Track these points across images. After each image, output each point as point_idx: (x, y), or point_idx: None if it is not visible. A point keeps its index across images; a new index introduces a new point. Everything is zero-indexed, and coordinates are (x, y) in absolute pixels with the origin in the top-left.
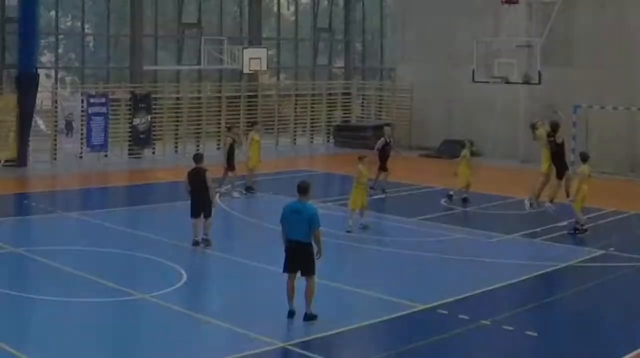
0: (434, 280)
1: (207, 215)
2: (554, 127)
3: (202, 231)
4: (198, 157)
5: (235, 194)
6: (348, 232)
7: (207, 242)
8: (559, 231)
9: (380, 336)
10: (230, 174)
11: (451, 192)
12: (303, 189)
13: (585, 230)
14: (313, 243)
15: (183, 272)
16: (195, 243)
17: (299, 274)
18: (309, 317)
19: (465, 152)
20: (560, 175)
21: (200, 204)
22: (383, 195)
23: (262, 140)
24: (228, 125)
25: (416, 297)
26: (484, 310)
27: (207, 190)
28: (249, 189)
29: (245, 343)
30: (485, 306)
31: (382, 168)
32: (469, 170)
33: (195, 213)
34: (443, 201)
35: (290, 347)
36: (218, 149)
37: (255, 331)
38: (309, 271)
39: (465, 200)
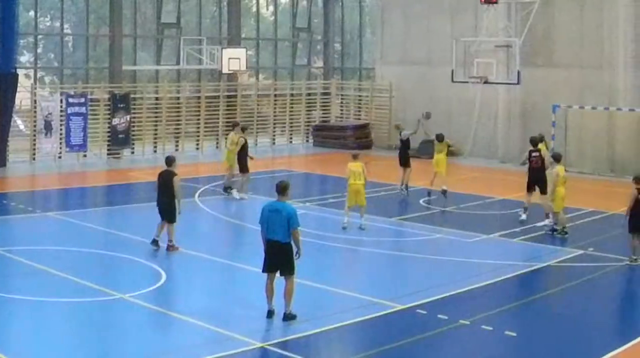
0: (413, 280)
1: (170, 220)
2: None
3: (166, 236)
4: (169, 160)
5: (245, 196)
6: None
7: (171, 248)
8: (537, 231)
9: (359, 336)
10: (242, 175)
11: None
12: (282, 189)
13: (566, 232)
14: (292, 243)
15: (162, 271)
16: (154, 242)
17: (278, 274)
18: (288, 317)
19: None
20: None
21: (164, 207)
22: None
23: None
24: (242, 126)
25: (395, 297)
26: (463, 310)
27: (172, 195)
28: (226, 189)
29: (224, 343)
30: (464, 306)
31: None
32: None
33: (160, 216)
34: (422, 201)
35: (269, 347)
36: (217, 148)
37: (234, 331)
38: (288, 271)
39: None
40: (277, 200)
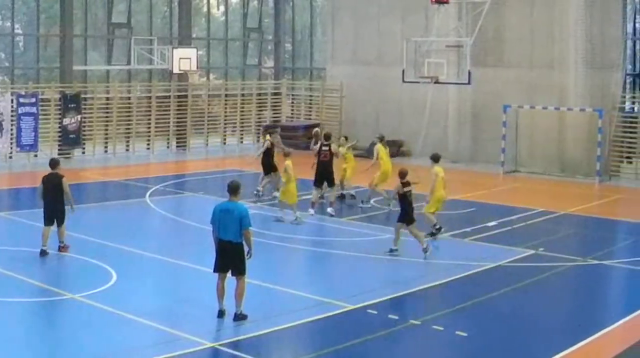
0: (364, 280)
1: (60, 222)
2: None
3: (57, 238)
4: (54, 162)
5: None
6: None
7: (63, 248)
8: (488, 231)
9: (310, 336)
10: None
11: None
12: (233, 189)
13: (440, 228)
14: (244, 243)
15: (113, 271)
16: (43, 252)
17: (229, 274)
18: (239, 317)
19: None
20: None
21: (53, 211)
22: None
23: (194, 140)
24: (270, 130)
25: (346, 297)
26: (414, 310)
27: (61, 198)
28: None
29: (175, 343)
30: (415, 306)
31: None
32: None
33: (47, 221)
34: (373, 201)
35: (220, 347)
36: (168, 148)
37: (185, 331)
38: (239, 271)
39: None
40: (229, 200)
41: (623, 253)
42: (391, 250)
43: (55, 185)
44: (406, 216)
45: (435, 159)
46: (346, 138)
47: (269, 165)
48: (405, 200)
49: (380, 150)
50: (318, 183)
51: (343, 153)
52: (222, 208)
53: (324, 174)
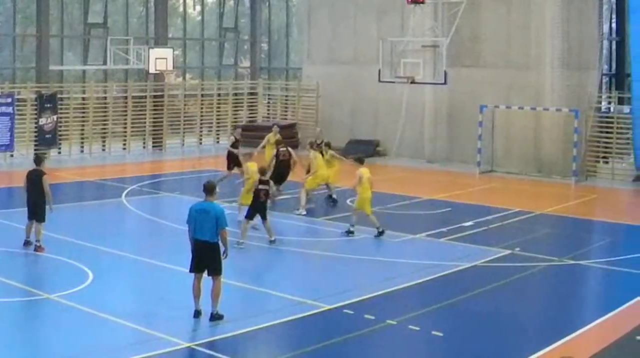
0: (340, 281)
1: (40, 220)
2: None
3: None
4: (38, 159)
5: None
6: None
7: (39, 248)
8: (465, 231)
9: (286, 336)
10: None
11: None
12: (209, 189)
13: (352, 232)
14: (220, 243)
15: (89, 271)
16: (27, 243)
17: (205, 274)
18: (215, 317)
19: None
20: None
21: (34, 206)
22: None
23: (170, 140)
24: (235, 125)
25: (322, 297)
26: (390, 310)
27: (42, 194)
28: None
29: (151, 343)
30: (391, 306)
31: (230, 168)
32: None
33: (30, 215)
34: (349, 201)
35: (196, 347)
36: (144, 148)
37: (161, 331)
38: (215, 271)
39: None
40: (205, 200)
41: (599, 253)
42: (238, 243)
43: (36, 181)
44: (254, 212)
45: (360, 160)
46: (329, 144)
47: (233, 160)
48: (258, 197)
49: (318, 158)
50: (277, 181)
51: (327, 158)
52: (198, 208)
53: (282, 172)
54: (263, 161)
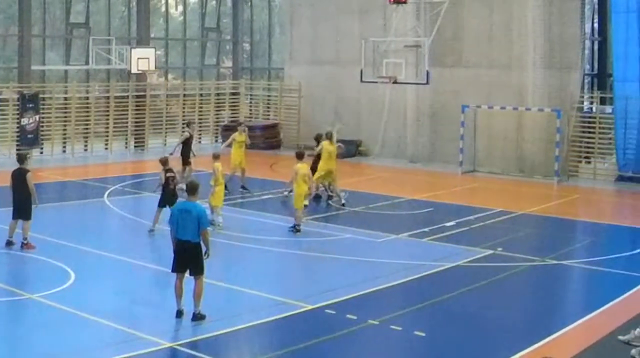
0: (322, 281)
1: (26, 218)
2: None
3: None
4: (21, 158)
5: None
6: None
7: (27, 246)
8: (447, 231)
9: (268, 336)
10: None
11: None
12: (192, 189)
13: (299, 230)
14: (202, 243)
15: (71, 271)
16: (9, 243)
17: (187, 274)
18: (198, 317)
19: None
20: None
21: (19, 204)
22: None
23: (152, 140)
24: (186, 121)
25: (304, 297)
26: (372, 310)
27: (27, 192)
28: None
29: (133, 343)
30: (373, 306)
31: (186, 162)
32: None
33: (14, 214)
34: (331, 201)
35: (178, 347)
36: (126, 148)
37: (143, 331)
38: (197, 271)
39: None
40: (187, 201)
41: (581, 254)
42: (150, 230)
43: (20, 180)
44: (165, 200)
45: (299, 156)
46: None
47: (187, 156)
48: (167, 186)
49: (325, 148)
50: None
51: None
52: (181, 208)
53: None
54: (230, 161)
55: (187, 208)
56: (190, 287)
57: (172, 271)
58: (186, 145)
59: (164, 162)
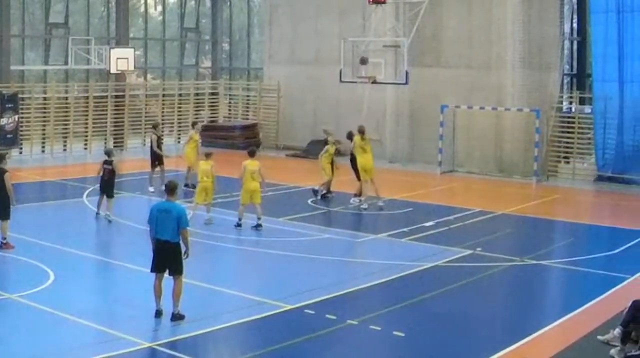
0: (301, 280)
1: (4, 217)
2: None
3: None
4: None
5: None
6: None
7: (6, 246)
8: (426, 231)
9: (248, 336)
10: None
11: (316, 187)
12: (171, 189)
13: (240, 225)
14: (181, 243)
15: (50, 271)
16: None
17: (166, 274)
18: (176, 317)
19: (328, 147)
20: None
21: None
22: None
23: (131, 140)
24: (153, 123)
25: (283, 297)
26: (351, 310)
27: (4, 192)
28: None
29: (112, 343)
30: (352, 306)
31: (157, 164)
32: (330, 166)
33: None
34: (310, 201)
35: (157, 347)
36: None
37: (122, 331)
38: (176, 271)
39: (324, 197)
40: (166, 200)
41: (560, 253)
42: (103, 214)
43: None
44: (102, 188)
45: (250, 153)
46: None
47: (156, 157)
48: (103, 176)
49: (357, 143)
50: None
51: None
52: (160, 208)
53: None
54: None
55: (166, 208)
56: (169, 287)
57: (151, 271)
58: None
59: (107, 153)
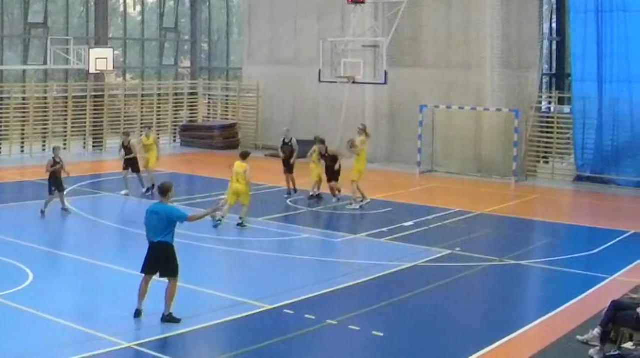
0: (281, 280)
1: None
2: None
3: None
4: None
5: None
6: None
7: None
8: (405, 231)
9: (227, 336)
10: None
11: (310, 192)
12: (163, 191)
13: (220, 221)
14: (173, 244)
15: (29, 271)
16: None
17: (157, 276)
18: (167, 319)
19: (315, 147)
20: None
21: None
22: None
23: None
24: (125, 131)
25: (262, 297)
26: (330, 310)
27: None
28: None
29: (92, 343)
30: (331, 306)
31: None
32: (319, 167)
33: None
34: (288, 201)
35: (137, 347)
36: (84, 148)
37: (101, 331)
38: (169, 273)
39: (312, 198)
40: (159, 202)
41: (539, 254)
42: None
43: None
44: (50, 186)
45: (242, 155)
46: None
47: (132, 163)
48: (54, 173)
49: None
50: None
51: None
52: (151, 209)
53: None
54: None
55: (155, 210)
56: (154, 290)
57: (141, 272)
58: (128, 152)
59: (55, 151)
